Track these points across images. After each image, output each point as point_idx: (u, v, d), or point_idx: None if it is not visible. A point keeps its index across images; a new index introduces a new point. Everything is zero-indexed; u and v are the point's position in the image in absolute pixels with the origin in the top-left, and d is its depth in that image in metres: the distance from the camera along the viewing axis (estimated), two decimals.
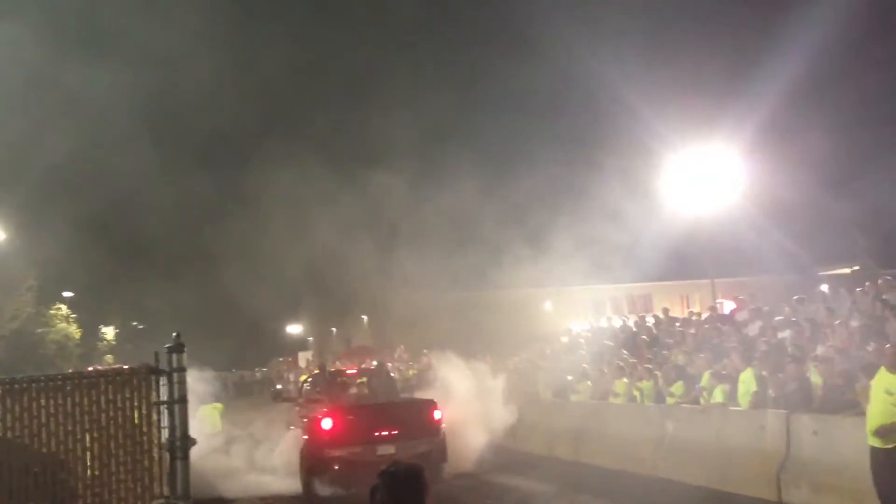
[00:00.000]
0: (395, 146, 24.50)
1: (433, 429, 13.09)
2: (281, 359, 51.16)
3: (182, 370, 6.52)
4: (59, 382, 6.71)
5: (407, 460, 3.36)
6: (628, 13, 39.79)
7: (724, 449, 11.36)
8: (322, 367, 18.34)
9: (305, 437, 13.62)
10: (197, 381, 13.45)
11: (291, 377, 36.31)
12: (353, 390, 16.15)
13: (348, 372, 18.86)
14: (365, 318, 46.67)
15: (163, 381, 6.59)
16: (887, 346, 8.80)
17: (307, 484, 12.97)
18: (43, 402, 6.55)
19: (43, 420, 6.54)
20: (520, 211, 21.09)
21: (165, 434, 6.52)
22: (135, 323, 59.44)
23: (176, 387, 6.51)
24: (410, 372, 24.71)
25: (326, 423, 12.73)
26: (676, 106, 28.96)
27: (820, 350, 11.68)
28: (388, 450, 12.36)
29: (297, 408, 16.37)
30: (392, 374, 18.67)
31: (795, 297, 15.19)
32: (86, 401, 6.64)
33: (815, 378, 10.93)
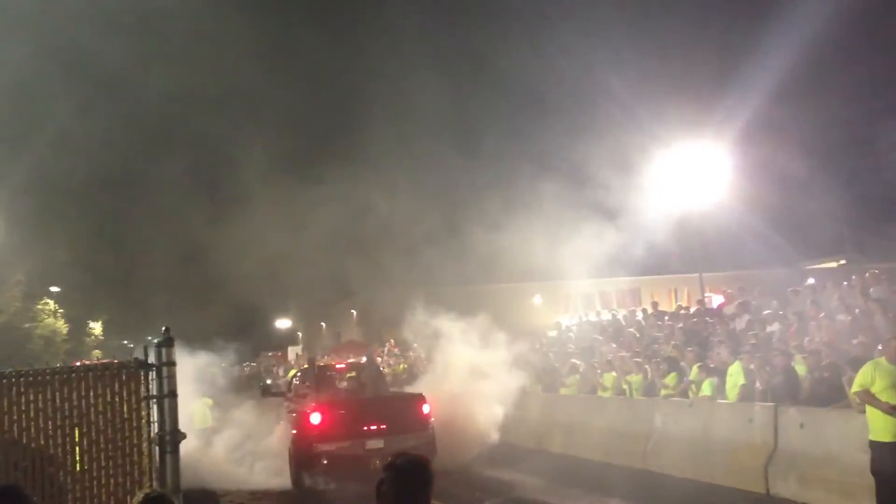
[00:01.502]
0: (386, 141, 24.47)
1: (422, 423, 13.10)
2: (270, 353, 51.11)
3: (172, 364, 6.51)
4: (48, 377, 6.67)
5: (412, 453, 3.34)
6: (619, 7, 39.80)
7: (712, 442, 11.42)
8: (311, 362, 18.30)
9: (294, 431, 13.61)
10: (188, 375, 13.40)
11: (280, 372, 36.35)
12: (343, 385, 16.13)
13: (337, 367, 18.83)
14: (354, 312, 46.64)
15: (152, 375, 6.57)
16: (890, 339, 8.40)
17: (296, 478, 12.98)
18: (31, 396, 6.50)
19: (31, 415, 6.49)
20: (508, 205, 21.06)
21: (155, 428, 6.51)
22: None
23: (165, 381, 6.50)
24: (401, 367, 24.73)
25: (315, 418, 12.73)
26: (666, 101, 29.04)
27: (807, 342, 11.75)
28: (376, 444, 12.38)
29: (287, 402, 16.37)
30: (381, 369, 18.66)
31: (790, 289, 15.29)
32: (74, 395, 6.60)
33: (801, 368, 11.00)
